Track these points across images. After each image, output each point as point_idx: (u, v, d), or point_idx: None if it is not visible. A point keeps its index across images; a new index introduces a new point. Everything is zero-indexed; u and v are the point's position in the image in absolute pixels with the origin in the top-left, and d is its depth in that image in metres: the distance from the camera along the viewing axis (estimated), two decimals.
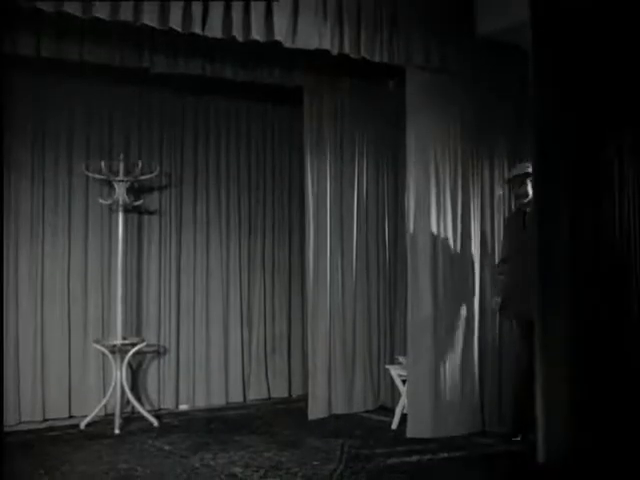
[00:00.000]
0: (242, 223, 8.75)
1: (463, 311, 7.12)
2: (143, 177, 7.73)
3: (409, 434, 6.90)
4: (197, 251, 8.46)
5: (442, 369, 7.00)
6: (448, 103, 7.14)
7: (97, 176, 7.62)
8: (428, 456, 6.34)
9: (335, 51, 6.42)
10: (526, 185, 6.70)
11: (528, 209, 6.65)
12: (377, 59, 6.66)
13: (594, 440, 5.08)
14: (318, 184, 7.82)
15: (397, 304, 8.24)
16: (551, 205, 5.27)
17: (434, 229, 7.05)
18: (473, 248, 7.24)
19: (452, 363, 7.04)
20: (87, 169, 7.72)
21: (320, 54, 6.44)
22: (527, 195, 6.69)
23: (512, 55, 6.84)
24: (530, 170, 6.44)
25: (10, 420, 7.36)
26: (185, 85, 7.88)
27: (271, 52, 6.60)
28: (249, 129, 8.83)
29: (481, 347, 7.21)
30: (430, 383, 6.96)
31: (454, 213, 7.15)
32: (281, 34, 6.10)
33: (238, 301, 8.68)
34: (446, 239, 7.09)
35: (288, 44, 6.18)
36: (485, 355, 7.24)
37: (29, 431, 7.28)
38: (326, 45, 6.34)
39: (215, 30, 5.92)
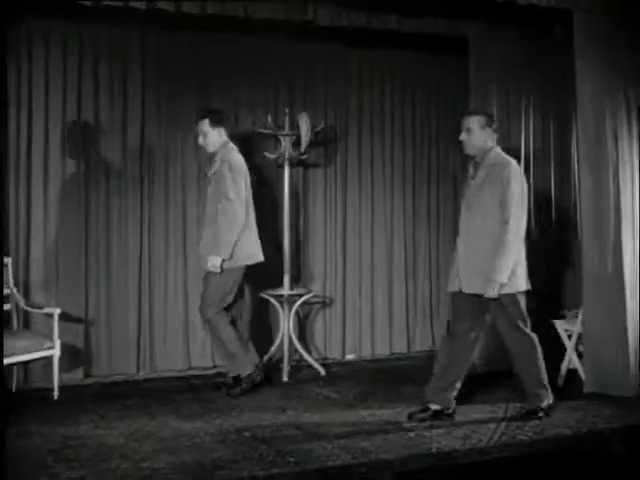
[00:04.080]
0: (406, 175, 8.72)
1: None
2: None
3: (587, 389, 6.80)
4: (362, 204, 8.51)
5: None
6: (617, 48, 6.84)
7: (263, 131, 7.74)
8: (590, 412, 6.26)
9: None
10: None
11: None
12: (544, 3, 6.49)
13: None
14: None
15: (561, 257, 8.08)
16: None
17: (612, 183, 6.82)
18: None
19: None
20: (253, 124, 7.85)
21: (485, 1, 6.32)
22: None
23: None
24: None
25: (180, 365, 7.70)
26: (349, 37, 7.81)
27: (436, 1, 6.52)
28: (413, 81, 8.74)
29: None
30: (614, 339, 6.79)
31: (632, 164, 6.89)
32: None
33: (403, 253, 8.69)
34: (625, 194, 6.83)
35: None
36: None
37: (197, 376, 7.56)
38: None
39: None
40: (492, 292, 5.82)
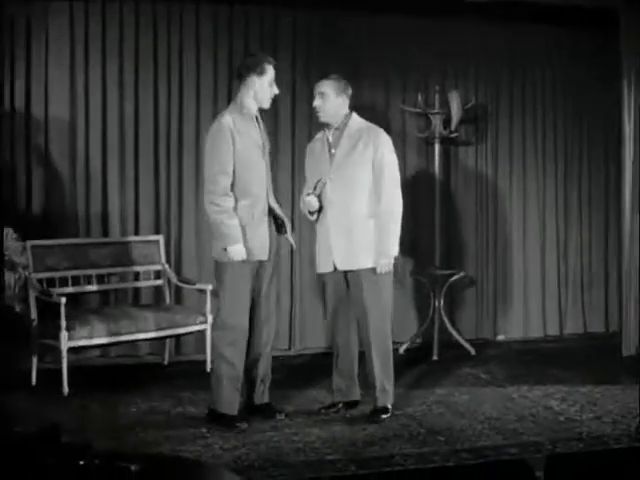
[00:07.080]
0: (558, 153, 8.53)
1: None
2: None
3: None
4: (513, 181, 8.40)
5: None
6: None
7: (413, 109, 7.71)
8: None
9: None
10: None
11: None
12: None
13: None
14: (636, 116, 7.45)
15: None
16: None
17: None
18: None
19: None
20: (403, 103, 7.83)
21: None
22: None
23: None
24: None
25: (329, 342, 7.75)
26: (498, 13, 7.63)
27: None
28: (565, 57, 8.50)
29: None
30: None
31: None
32: None
33: (554, 232, 8.52)
34: None
35: None
36: None
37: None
38: None
39: None
40: (386, 267, 5.43)
